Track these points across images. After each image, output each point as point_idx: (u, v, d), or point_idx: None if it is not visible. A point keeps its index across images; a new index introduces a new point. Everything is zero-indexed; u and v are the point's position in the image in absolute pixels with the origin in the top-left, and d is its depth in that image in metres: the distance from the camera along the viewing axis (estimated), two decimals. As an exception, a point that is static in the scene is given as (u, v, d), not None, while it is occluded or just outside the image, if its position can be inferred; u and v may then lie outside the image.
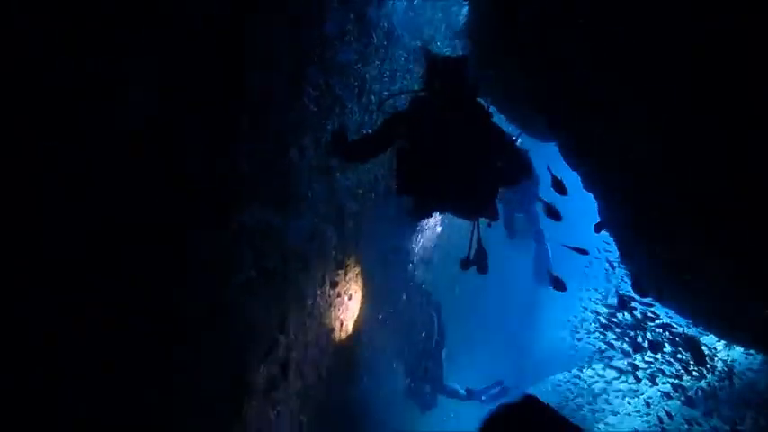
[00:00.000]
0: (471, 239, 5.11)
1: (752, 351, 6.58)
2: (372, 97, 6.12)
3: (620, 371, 9.80)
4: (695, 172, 3.57)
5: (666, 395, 8.10)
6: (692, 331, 8.02)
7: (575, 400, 11.63)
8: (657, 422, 7.90)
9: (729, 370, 7.08)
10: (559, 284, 7.42)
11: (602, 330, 10.39)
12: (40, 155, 2.84)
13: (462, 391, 9.43)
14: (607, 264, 11.20)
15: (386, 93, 6.26)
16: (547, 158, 6.33)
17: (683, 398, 7.56)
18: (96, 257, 3.00)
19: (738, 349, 7.24)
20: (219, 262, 3.67)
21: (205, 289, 3.53)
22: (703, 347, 7.47)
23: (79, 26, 2.81)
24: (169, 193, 3.27)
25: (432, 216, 5.84)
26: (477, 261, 5.13)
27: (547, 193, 6.51)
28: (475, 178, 4.55)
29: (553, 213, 6.16)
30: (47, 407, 2.78)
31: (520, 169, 4.67)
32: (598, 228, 6.14)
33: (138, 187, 3.13)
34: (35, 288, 2.83)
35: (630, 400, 9.51)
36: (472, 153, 4.43)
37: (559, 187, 5.77)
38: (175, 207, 3.31)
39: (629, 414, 9.18)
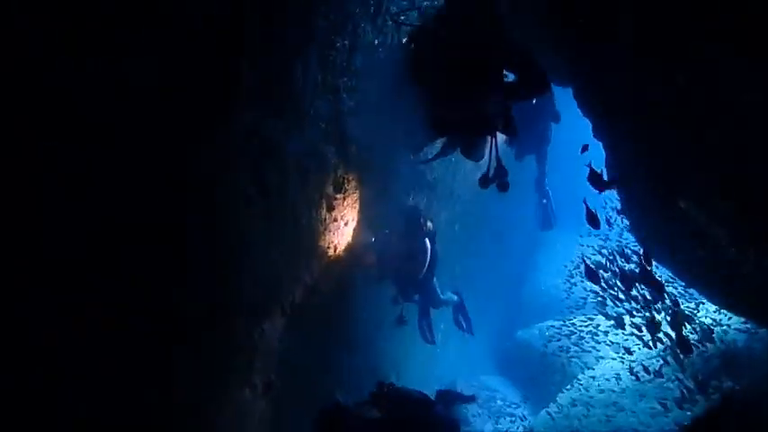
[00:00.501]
0: (490, 157, 5.15)
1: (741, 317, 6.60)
2: (388, 18, 5.84)
3: (607, 316, 9.81)
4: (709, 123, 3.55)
5: (648, 347, 8.11)
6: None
7: (559, 342, 11.79)
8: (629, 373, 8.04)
9: (709, 329, 7.12)
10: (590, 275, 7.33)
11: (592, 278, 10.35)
12: (40, 155, 2.83)
13: (454, 296, 9.38)
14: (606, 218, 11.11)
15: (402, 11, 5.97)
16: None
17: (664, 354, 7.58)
18: (96, 257, 3.00)
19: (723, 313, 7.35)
20: (219, 261, 3.68)
21: (205, 289, 3.55)
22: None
23: (79, 26, 2.79)
24: (169, 193, 3.27)
25: (444, 139, 5.81)
26: (497, 178, 5.17)
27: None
28: (487, 90, 4.60)
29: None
30: (47, 407, 2.80)
31: (534, 84, 4.72)
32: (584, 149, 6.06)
33: (139, 187, 3.13)
34: (35, 288, 2.83)
35: (616, 352, 9.64)
36: (486, 66, 4.50)
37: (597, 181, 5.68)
38: (176, 207, 3.32)
39: (613, 359, 9.33)
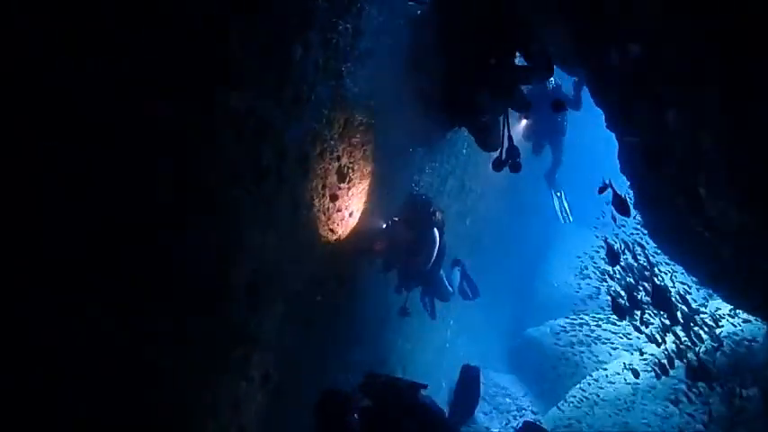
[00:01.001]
0: (503, 137, 5.13)
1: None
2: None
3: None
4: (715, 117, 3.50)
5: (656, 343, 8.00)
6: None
7: (570, 340, 11.73)
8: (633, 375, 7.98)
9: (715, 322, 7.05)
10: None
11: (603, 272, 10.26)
12: (40, 155, 2.83)
13: (457, 273, 9.22)
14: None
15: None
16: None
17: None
18: (96, 257, 3.01)
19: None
20: (219, 259, 3.67)
21: (205, 288, 3.54)
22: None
23: (79, 26, 2.78)
24: (169, 192, 3.26)
25: (454, 124, 5.78)
26: (510, 158, 5.14)
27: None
28: (494, 68, 4.63)
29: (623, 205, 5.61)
30: (47, 407, 2.81)
31: (540, 67, 4.72)
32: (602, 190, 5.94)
33: (139, 187, 3.12)
34: (35, 288, 2.84)
35: (627, 348, 9.59)
36: (494, 44, 4.52)
37: (623, 205, 5.49)
38: (175, 207, 3.31)
39: (625, 350, 9.27)
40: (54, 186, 2.89)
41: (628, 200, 5.58)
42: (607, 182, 5.57)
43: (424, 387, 4.77)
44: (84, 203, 2.96)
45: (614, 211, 5.73)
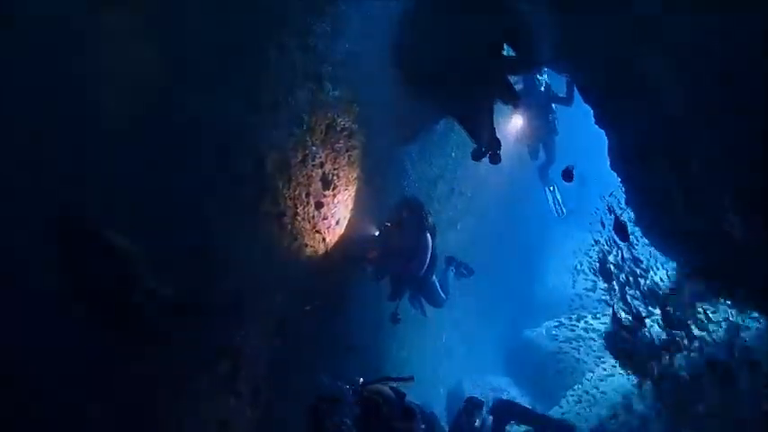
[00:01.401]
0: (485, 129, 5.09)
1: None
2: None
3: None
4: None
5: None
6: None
7: (567, 340, 11.64)
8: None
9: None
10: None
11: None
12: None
13: (450, 274, 9.10)
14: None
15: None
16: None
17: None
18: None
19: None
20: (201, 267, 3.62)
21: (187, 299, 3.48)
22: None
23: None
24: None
25: (441, 117, 5.71)
26: (490, 150, 5.09)
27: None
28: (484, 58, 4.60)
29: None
30: (47, 408, 2.75)
31: (528, 59, 4.79)
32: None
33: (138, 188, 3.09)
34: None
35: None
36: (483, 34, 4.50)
37: (623, 231, 5.55)
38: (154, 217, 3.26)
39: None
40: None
41: (627, 226, 5.57)
42: (614, 210, 5.60)
43: (410, 379, 4.69)
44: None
45: (611, 229, 5.73)
